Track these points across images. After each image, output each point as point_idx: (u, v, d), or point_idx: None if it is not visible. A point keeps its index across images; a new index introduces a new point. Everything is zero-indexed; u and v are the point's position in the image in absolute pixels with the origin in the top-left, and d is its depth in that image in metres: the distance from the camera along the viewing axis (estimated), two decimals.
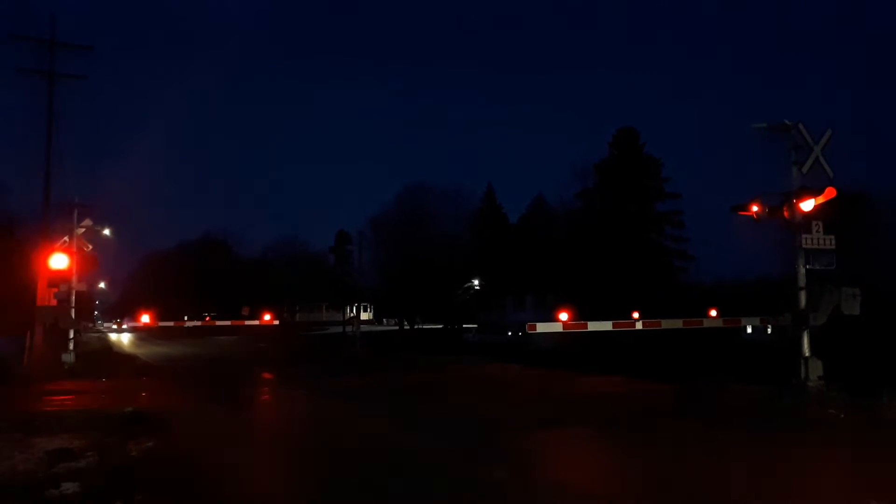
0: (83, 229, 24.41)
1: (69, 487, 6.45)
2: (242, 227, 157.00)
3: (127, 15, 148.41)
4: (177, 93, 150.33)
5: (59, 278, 22.47)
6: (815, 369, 13.04)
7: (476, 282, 58.62)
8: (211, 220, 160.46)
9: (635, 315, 20.80)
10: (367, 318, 59.36)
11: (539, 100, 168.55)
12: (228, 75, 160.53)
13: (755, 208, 13.62)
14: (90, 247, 25.33)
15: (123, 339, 54.59)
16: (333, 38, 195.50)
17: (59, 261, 20.19)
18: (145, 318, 37.78)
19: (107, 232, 26.03)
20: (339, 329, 58.40)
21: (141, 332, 56.33)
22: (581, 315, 20.49)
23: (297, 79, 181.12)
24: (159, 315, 40.80)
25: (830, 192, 12.89)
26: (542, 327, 15.55)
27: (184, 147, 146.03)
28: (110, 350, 35.62)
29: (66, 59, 22.98)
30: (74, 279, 22.87)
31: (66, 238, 24.27)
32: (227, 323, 29.83)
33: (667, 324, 16.19)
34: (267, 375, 20.57)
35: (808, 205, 13.01)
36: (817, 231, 13.34)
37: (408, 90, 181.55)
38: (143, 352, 35.65)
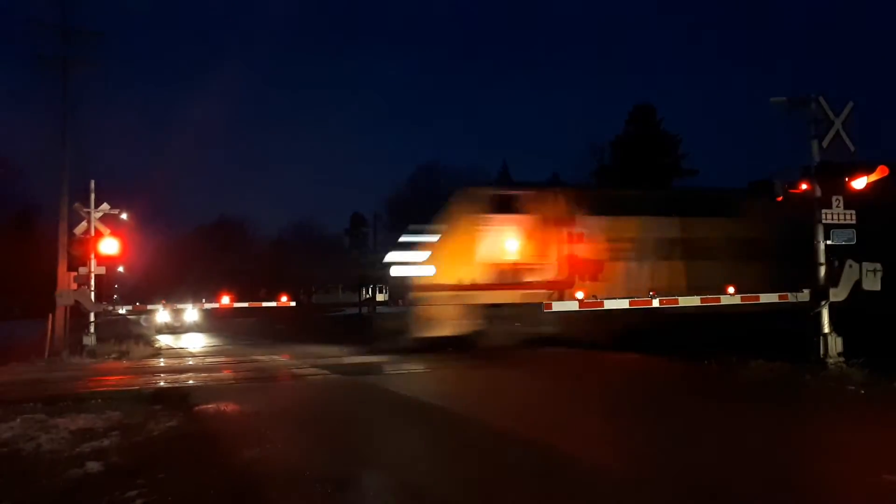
0: (101, 213, 24.56)
1: (93, 466, 6.56)
2: (258, 211, 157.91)
3: None
4: (187, 77, 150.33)
5: (78, 262, 22.81)
6: (835, 346, 12.92)
7: None
8: (226, 204, 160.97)
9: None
10: (382, 300, 59.44)
11: (555, 77, 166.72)
12: (241, 57, 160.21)
13: (774, 184, 13.40)
14: (108, 231, 25.49)
15: (188, 342, 30.80)
16: (347, 17, 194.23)
17: (78, 244, 20.49)
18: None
19: (124, 216, 26.16)
20: (356, 310, 58.66)
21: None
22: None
23: (310, 57, 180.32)
24: (178, 298, 41.41)
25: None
26: (557, 306, 15.49)
27: (196, 132, 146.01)
28: (130, 333, 36.17)
29: (82, 45, 23.13)
30: (93, 263, 23.09)
31: (84, 223, 24.44)
32: (245, 305, 30.03)
33: (684, 301, 16.00)
34: (285, 356, 20.77)
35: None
36: (837, 206, 13.15)
37: (421, 68, 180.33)
38: (161, 334, 36.15)
